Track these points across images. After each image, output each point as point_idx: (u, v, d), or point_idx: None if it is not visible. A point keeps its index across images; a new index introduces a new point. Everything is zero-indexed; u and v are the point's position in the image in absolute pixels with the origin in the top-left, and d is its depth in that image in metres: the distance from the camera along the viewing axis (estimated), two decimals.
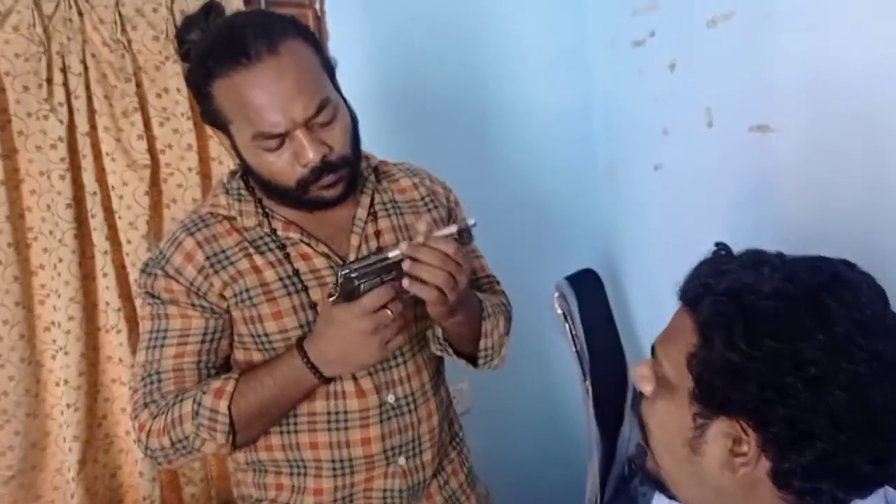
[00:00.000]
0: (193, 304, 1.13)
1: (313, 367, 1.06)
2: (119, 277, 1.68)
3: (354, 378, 1.17)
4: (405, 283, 1.02)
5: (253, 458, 1.22)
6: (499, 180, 2.12)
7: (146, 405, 1.14)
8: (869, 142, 1.59)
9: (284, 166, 1.07)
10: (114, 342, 1.71)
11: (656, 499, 0.99)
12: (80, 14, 1.64)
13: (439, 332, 1.21)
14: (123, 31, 1.67)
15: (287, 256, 1.14)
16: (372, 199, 1.21)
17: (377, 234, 1.20)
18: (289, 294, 1.13)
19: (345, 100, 1.14)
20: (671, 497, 0.87)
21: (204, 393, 1.09)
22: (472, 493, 1.35)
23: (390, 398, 1.19)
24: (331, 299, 1.01)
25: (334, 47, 1.83)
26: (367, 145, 1.20)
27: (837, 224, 1.61)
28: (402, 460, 1.21)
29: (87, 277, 1.70)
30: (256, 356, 1.16)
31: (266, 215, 1.15)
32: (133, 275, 1.69)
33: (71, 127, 1.64)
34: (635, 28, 2.07)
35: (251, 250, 1.14)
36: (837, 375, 0.71)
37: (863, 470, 0.73)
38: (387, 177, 1.26)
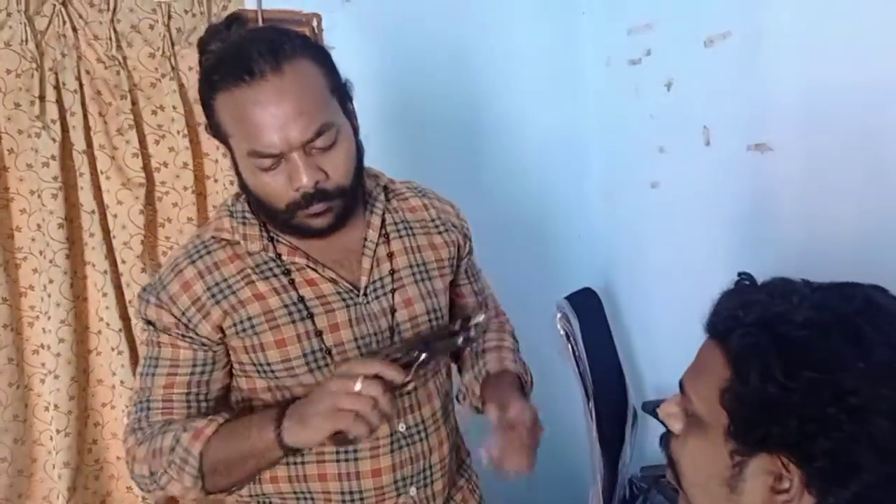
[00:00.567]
0: (183, 336, 1.10)
1: (279, 429, 0.98)
2: (117, 297, 1.64)
3: None
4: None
5: (257, 490, 1.18)
6: (495, 199, 2.11)
7: (134, 430, 1.11)
8: (866, 160, 1.59)
9: (278, 188, 1.04)
10: (108, 365, 1.67)
11: None
12: (74, 30, 1.61)
13: (476, 389, 1.22)
14: (119, 47, 1.64)
15: (292, 282, 1.11)
16: (383, 220, 1.19)
17: (390, 256, 1.16)
18: (293, 322, 1.10)
19: (355, 128, 1.11)
20: None
21: (185, 430, 1.05)
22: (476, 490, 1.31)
23: (401, 427, 1.15)
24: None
25: None
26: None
27: (836, 242, 1.61)
28: (413, 491, 1.16)
29: (77, 299, 1.66)
30: (260, 383, 1.12)
31: (271, 239, 1.12)
32: (128, 295, 1.65)
33: (64, 144, 1.61)
34: (631, 47, 2.07)
35: (254, 277, 1.10)
36: (879, 403, 0.69)
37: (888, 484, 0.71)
38: (396, 196, 1.23)
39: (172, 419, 1.09)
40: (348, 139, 1.06)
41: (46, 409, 1.64)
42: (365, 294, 1.13)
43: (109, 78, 1.64)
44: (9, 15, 1.56)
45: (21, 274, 1.64)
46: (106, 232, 1.65)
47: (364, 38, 1.93)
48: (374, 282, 1.14)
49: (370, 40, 1.94)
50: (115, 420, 1.71)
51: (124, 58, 1.65)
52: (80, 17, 1.61)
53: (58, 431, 1.62)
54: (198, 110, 1.71)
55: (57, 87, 1.60)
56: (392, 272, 1.15)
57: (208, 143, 1.74)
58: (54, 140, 1.59)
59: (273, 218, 1.08)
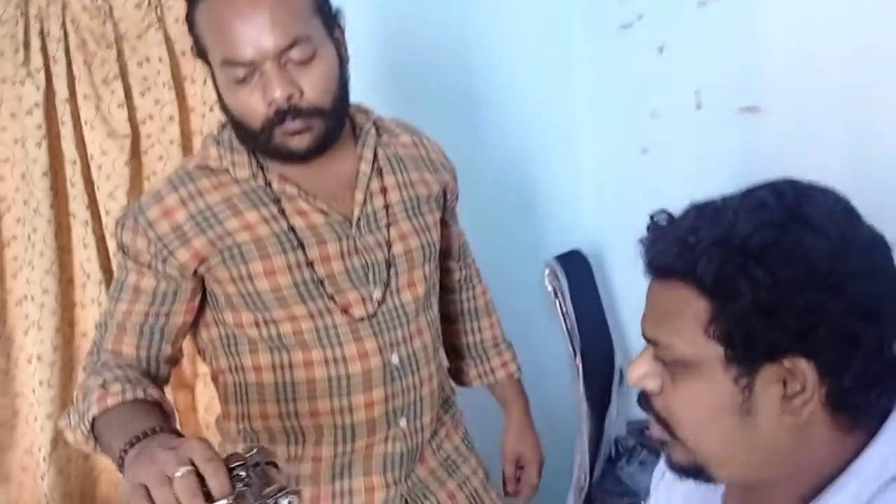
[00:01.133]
0: (149, 265, 1.08)
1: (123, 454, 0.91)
2: (99, 249, 1.63)
3: (356, 340, 1.12)
4: None
5: (245, 427, 1.17)
6: (485, 163, 2.09)
7: (90, 354, 1.12)
8: (856, 122, 1.59)
9: (253, 104, 1.02)
10: (93, 318, 1.65)
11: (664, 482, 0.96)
12: None
13: (476, 383, 1.39)
14: None
15: (282, 212, 1.09)
16: (375, 154, 1.17)
17: (383, 190, 1.15)
18: (283, 251, 1.08)
19: (341, 55, 1.09)
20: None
21: (100, 387, 1.01)
22: (470, 455, 1.31)
23: (395, 359, 1.14)
24: None
25: None
26: None
27: None
28: (403, 422, 1.16)
29: (62, 250, 1.64)
30: (247, 317, 1.10)
31: (261, 167, 1.10)
32: (112, 247, 1.63)
33: (48, 94, 1.59)
34: (623, 11, 2.05)
35: (241, 206, 1.08)
36: (852, 271, 0.70)
37: (892, 360, 0.73)
38: (387, 131, 1.22)
39: (120, 351, 1.10)
40: (329, 59, 1.05)
41: (29, 360, 1.62)
42: (357, 227, 1.12)
43: (95, 28, 1.61)
44: None
45: (4, 224, 1.62)
46: (88, 182, 1.63)
47: (353, 5, 1.91)
48: (367, 215, 1.13)
49: (359, 6, 1.91)
50: None
51: (110, 7, 1.62)
52: None
53: (41, 383, 1.60)
54: (185, 63, 1.69)
55: (42, 36, 1.58)
56: (386, 207, 1.14)
57: (195, 97, 1.72)
58: (38, 88, 1.56)
59: (253, 140, 1.06)
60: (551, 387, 2.12)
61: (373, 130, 1.18)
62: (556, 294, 1.78)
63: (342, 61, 1.09)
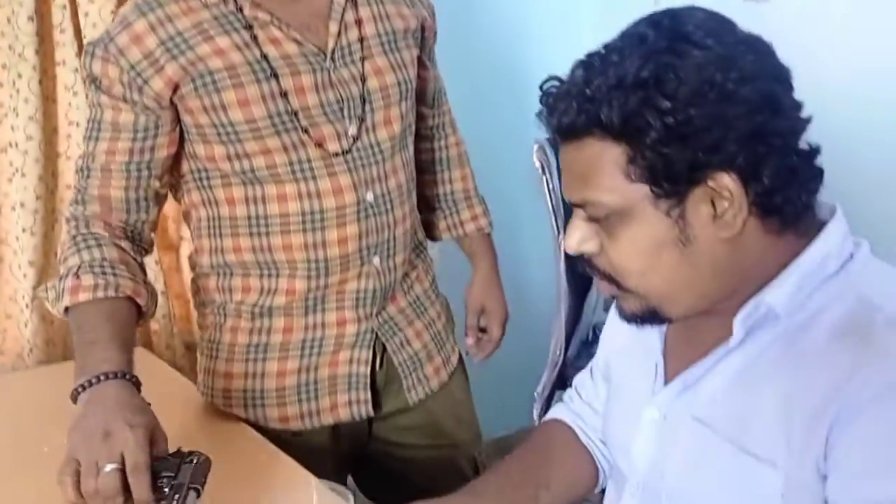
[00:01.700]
0: (125, 98, 1.06)
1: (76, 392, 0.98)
2: (86, 96, 1.59)
3: (330, 175, 1.11)
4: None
5: (219, 260, 1.17)
6: (482, 45, 2.05)
7: (74, 204, 1.12)
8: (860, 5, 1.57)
9: None
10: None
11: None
12: None
13: (446, 236, 1.41)
14: None
15: (255, 39, 1.06)
16: None
17: (358, 22, 1.12)
18: (257, 80, 1.05)
19: None
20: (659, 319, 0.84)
21: (76, 275, 1.04)
22: (436, 300, 1.33)
23: (369, 196, 1.14)
24: None
25: None
26: None
27: (830, 91, 1.58)
28: (376, 260, 1.17)
29: (47, 99, 1.61)
30: (219, 150, 1.09)
31: None
32: None
33: None
34: None
35: (212, 31, 1.05)
36: (743, 73, 0.73)
37: (803, 154, 0.77)
38: None
39: (108, 195, 1.10)
40: None
41: (13, 208, 1.61)
42: (332, 59, 1.09)
43: None
44: None
45: None
46: (77, 30, 1.58)
47: None
48: (342, 47, 1.10)
49: None
50: None
51: None
52: None
53: (24, 230, 1.59)
54: None
55: None
56: (361, 39, 1.11)
57: None
58: None
59: None
60: (534, 269, 2.13)
61: None
62: (543, 171, 1.76)
63: None
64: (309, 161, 1.10)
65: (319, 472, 1.01)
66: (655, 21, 0.77)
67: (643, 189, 0.75)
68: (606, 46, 0.78)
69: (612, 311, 1.02)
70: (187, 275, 1.75)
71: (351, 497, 0.80)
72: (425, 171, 1.38)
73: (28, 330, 1.62)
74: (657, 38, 0.75)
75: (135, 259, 1.12)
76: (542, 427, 1.13)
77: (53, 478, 0.94)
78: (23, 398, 1.44)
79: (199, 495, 0.93)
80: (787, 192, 0.76)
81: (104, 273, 1.05)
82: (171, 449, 0.98)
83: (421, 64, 1.25)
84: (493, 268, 1.46)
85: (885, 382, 0.70)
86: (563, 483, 1.03)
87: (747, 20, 1.74)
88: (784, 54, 1.69)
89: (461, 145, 1.44)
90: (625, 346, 0.98)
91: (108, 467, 0.87)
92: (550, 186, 1.76)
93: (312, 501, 0.82)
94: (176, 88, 1.05)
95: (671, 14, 0.77)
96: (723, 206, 0.75)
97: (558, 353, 1.85)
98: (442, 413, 1.30)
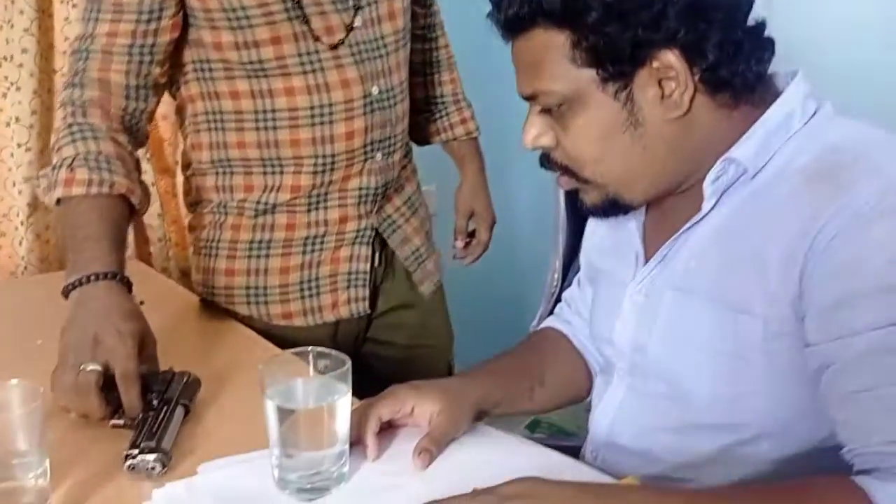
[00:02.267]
0: None
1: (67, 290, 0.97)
2: None
3: (338, 67, 1.11)
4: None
5: (220, 156, 1.15)
6: None
7: (62, 105, 1.09)
8: None
9: None
10: None
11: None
12: None
13: (435, 139, 1.41)
14: None
15: None
16: None
17: None
18: None
19: None
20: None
21: (70, 167, 1.02)
22: (421, 205, 1.35)
23: (374, 90, 1.14)
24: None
25: None
26: None
27: None
28: (378, 157, 1.17)
29: (43, 13, 1.57)
30: (227, 37, 1.06)
31: None
32: None
33: None
34: None
35: None
36: None
37: (749, 28, 0.78)
38: None
39: (108, 78, 1.07)
40: None
41: (8, 123, 1.57)
42: None
43: None
44: None
45: None
46: None
47: None
48: None
49: None
50: None
51: None
52: None
53: (19, 146, 1.56)
54: None
55: None
56: None
57: None
58: None
59: None
60: (528, 205, 2.12)
61: None
62: None
63: None
64: (317, 52, 1.09)
65: None
66: None
67: (590, 73, 0.77)
68: None
69: (591, 218, 1.02)
70: (181, 199, 1.73)
71: (348, 361, 0.78)
72: (415, 72, 1.37)
73: (23, 248, 1.59)
74: None
75: (130, 154, 1.10)
76: (535, 332, 1.13)
77: (47, 368, 0.95)
78: (19, 301, 1.42)
79: (187, 412, 0.93)
80: (733, 66, 0.76)
81: (99, 168, 1.03)
82: (163, 367, 0.97)
83: None
84: (480, 172, 1.48)
85: (852, 212, 0.70)
86: (556, 381, 1.03)
87: None
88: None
89: (450, 48, 1.45)
90: (605, 245, 0.99)
91: (89, 367, 0.88)
92: None
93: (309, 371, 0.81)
94: None
95: None
96: (669, 86, 0.76)
97: (555, 285, 1.83)
98: (430, 314, 1.34)
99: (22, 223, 1.59)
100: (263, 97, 1.10)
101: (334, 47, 1.09)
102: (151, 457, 0.81)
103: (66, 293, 0.96)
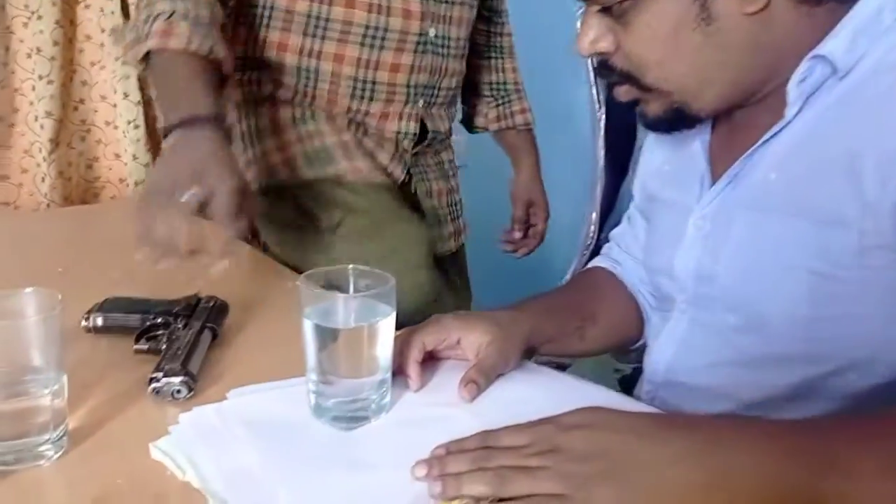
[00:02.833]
0: None
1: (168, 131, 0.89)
2: None
3: None
4: None
5: (257, 54, 1.09)
6: None
7: None
8: None
9: None
10: (96, 19, 1.53)
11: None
12: None
13: (492, 126, 1.40)
14: None
15: None
16: None
17: None
18: None
19: None
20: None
21: (168, 19, 0.93)
22: (453, 177, 1.33)
23: (432, 32, 1.10)
24: None
25: None
26: None
27: None
28: (420, 102, 1.14)
29: None
30: None
31: None
32: None
33: None
34: None
35: None
36: None
37: None
38: None
39: None
40: None
41: (29, 55, 1.50)
42: None
43: None
44: None
45: None
46: None
47: None
48: None
49: None
50: (104, 82, 1.58)
51: None
52: None
53: (40, 78, 1.49)
54: None
55: None
56: None
57: None
58: None
59: None
60: (571, 138, 2.04)
61: None
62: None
63: None
64: None
65: None
66: None
67: None
68: None
69: (648, 142, 0.94)
70: None
71: (392, 279, 0.71)
72: (478, 54, 1.36)
73: (45, 185, 1.53)
74: None
75: (222, 24, 1.02)
76: (583, 271, 1.04)
77: (66, 293, 0.89)
78: (40, 232, 1.36)
79: (214, 336, 0.86)
80: None
81: (199, 27, 0.94)
82: (187, 292, 0.91)
83: None
84: (537, 163, 1.47)
85: None
86: (608, 320, 0.94)
87: None
88: None
89: (512, 38, 1.43)
90: (664, 171, 0.89)
91: (190, 192, 0.78)
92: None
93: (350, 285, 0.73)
94: None
95: None
96: None
97: (591, 236, 1.75)
98: (449, 272, 1.32)
99: (44, 159, 1.52)
100: (322, 2, 1.04)
101: None
102: (177, 379, 0.74)
103: (165, 133, 0.88)
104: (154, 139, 1.58)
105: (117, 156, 1.61)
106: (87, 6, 1.54)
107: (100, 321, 0.87)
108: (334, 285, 0.74)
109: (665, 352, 0.83)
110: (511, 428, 0.63)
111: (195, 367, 0.77)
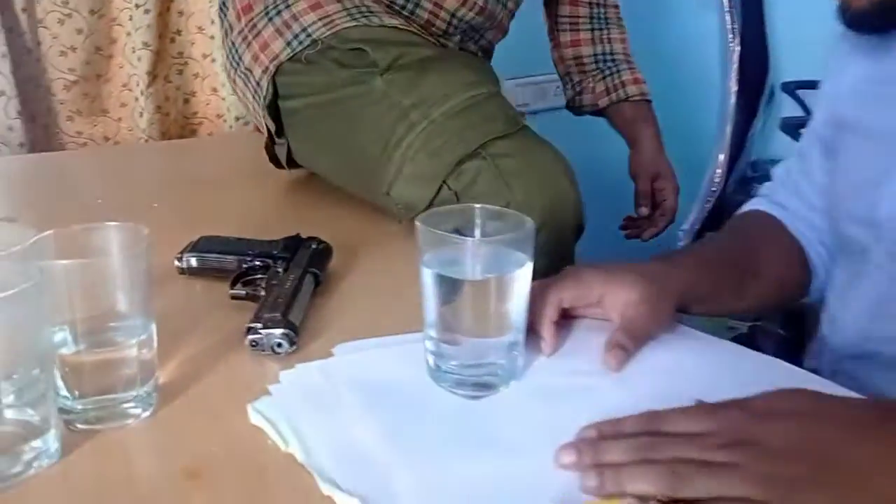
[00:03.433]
0: None
1: None
2: None
3: None
4: None
5: None
6: None
7: None
8: None
9: None
10: None
11: None
12: None
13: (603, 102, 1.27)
14: None
15: None
16: None
17: None
18: None
19: None
20: None
21: None
22: None
23: None
24: None
25: None
26: None
27: None
28: (457, 38, 1.04)
29: None
30: None
31: None
32: None
33: None
34: None
35: None
36: None
37: None
38: None
39: None
40: None
41: None
42: None
43: None
44: None
45: None
46: None
47: None
48: None
49: None
50: (200, 12, 1.49)
51: None
52: None
53: (137, 6, 1.41)
54: None
55: None
56: None
57: None
58: None
59: None
60: (689, 81, 1.85)
61: None
62: None
63: None
64: None
65: None
66: None
67: None
68: None
69: (837, 55, 0.75)
70: None
71: (530, 221, 0.58)
72: (580, 27, 1.26)
73: (143, 120, 1.46)
74: None
75: None
76: (741, 216, 0.88)
77: (162, 226, 0.80)
78: (135, 167, 1.30)
79: (318, 283, 0.75)
80: None
81: None
82: (287, 233, 0.81)
83: None
84: (658, 135, 1.30)
85: None
86: (772, 274, 0.78)
87: None
88: None
89: (618, 9, 1.30)
90: (861, 89, 0.71)
91: None
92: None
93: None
94: None
95: None
96: None
97: (717, 182, 1.57)
98: None
99: (142, 93, 1.45)
100: None
101: None
102: (278, 331, 0.64)
103: None
104: None
105: (214, 90, 1.53)
106: None
107: (193, 262, 0.78)
108: (457, 228, 0.61)
109: (855, 317, 0.67)
110: (686, 410, 0.50)
111: (297, 318, 0.67)
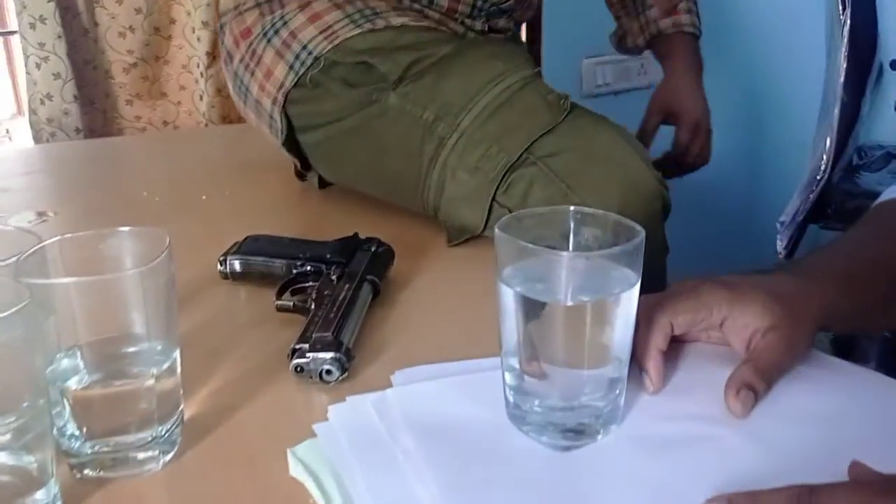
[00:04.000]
0: None
1: None
2: None
3: None
4: None
5: None
6: None
7: None
8: None
9: None
10: None
11: None
12: None
13: (640, 41, 1.14)
14: None
15: None
16: None
17: None
18: None
19: None
20: None
21: None
22: None
23: None
24: None
25: None
26: None
27: None
28: (477, 25, 0.90)
29: None
30: None
31: None
32: None
33: None
34: None
35: None
36: None
37: None
38: None
39: None
40: None
41: None
42: None
43: None
44: None
45: None
46: None
47: None
48: None
49: None
50: None
51: None
52: None
53: None
54: None
55: None
56: None
57: None
58: None
59: None
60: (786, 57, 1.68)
61: None
62: None
63: None
64: None
65: None
66: None
67: None
68: None
69: None
70: None
71: (641, 231, 0.45)
72: None
73: (203, 103, 1.39)
74: None
75: None
76: (879, 208, 0.72)
77: (208, 222, 0.73)
78: (188, 154, 1.21)
79: (376, 293, 0.64)
80: None
81: None
82: (344, 233, 0.70)
83: None
84: (689, 70, 1.11)
85: None
86: None
87: None
88: None
89: None
90: None
91: None
92: None
93: None
94: None
95: None
96: None
97: (822, 168, 1.39)
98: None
99: (202, 75, 1.37)
100: None
101: None
102: (328, 356, 0.53)
103: None
104: None
105: None
106: None
107: (237, 265, 0.68)
108: (545, 235, 0.49)
109: None
110: (853, 486, 0.37)
111: (350, 338, 0.56)
